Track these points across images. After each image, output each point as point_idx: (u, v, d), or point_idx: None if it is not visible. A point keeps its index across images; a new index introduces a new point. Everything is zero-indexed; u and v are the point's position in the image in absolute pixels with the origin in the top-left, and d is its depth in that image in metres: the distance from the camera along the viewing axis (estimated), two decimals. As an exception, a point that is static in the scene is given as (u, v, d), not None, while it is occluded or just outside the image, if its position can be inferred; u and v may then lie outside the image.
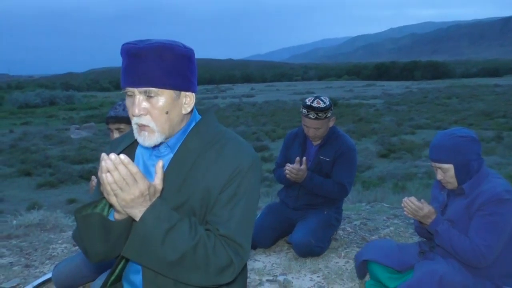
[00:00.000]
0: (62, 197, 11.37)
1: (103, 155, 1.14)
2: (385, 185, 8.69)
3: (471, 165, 2.13)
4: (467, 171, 2.13)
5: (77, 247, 3.54)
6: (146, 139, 1.30)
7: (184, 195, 1.32)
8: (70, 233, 3.95)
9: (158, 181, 1.22)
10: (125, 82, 1.28)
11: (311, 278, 2.84)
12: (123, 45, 1.29)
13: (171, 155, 1.37)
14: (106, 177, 1.12)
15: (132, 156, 1.43)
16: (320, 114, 3.08)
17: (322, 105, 3.08)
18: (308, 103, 3.11)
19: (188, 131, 1.38)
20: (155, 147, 1.39)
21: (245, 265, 1.55)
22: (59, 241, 3.71)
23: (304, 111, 3.13)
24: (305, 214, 3.27)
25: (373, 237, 3.51)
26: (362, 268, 2.53)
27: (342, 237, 3.51)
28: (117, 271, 1.46)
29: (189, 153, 1.34)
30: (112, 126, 2.47)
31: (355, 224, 3.83)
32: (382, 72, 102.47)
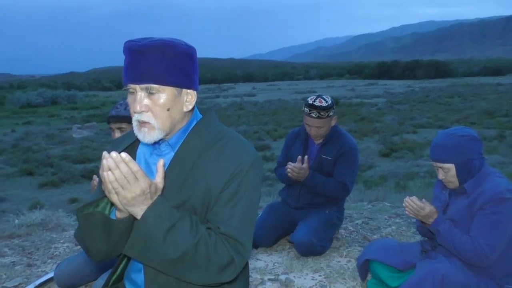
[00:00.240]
0: (64, 197, 11.39)
1: (105, 153, 1.14)
2: (387, 184, 8.68)
3: (473, 164, 2.12)
4: (468, 170, 2.12)
5: (79, 247, 3.55)
6: (146, 136, 1.30)
7: (185, 194, 1.32)
8: (72, 232, 3.96)
9: (159, 179, 1.22)
10: (127, 79, 1.29)
11: (313, 277, 2.84)
12: (126, 42, 1.30)
13: (172, 154, 1.37)
14: (108, 175, 1.13)
15: (133, 155, 1.44)
16: (322, 113, 3.08)
17: (324, 104, 3.08)
18: (310, 102, 3.11)
19: (189, 130, 1.38)
20: (156, 144, 1.39)
21: (247, 264, 1.55)
22: (61, 241, 3.72)
23: (306, 110, 3.13)
24: (307, 213, 3.27)
25: (375, 236, 3.51)
26: (364, 268, 2.53)
27: (344, 236, 3.51)
28: (118, 270, 1.46)
29: (190, 152, 1.34)
30: (114, 126, 2.47)
31: (357, 223, 3.83)
32: (384, 71, 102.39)
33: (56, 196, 11.68)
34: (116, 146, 1.48)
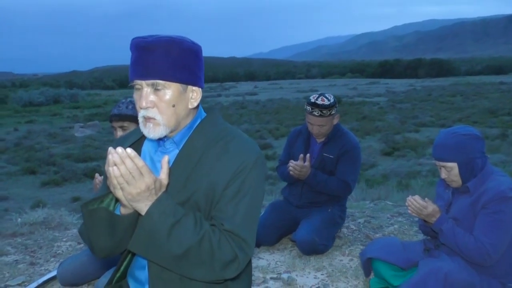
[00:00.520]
0: (66, 195, 11.41)
1: (110, 148, 1.15)
2: (389, 183, 8.66)
3: (475, 163, 2.12)
4: (471, 169, 2.12)
5: (82, 245, 3.55)
6: (151, 131, 1.31)
7: (189, 191, 1.33)
8: (75, 231, 3.96)
9: (163, 175, 1.23)
10: (133, 75, 1.30)
11: (315, 276, 2.84)
12: (133, 39, 1.31)
13: (177, 151, 1.38)
14: (113, 171, 1.13)
15: (138, 152, 1.44)
16: (324, 112, 3.08)
17: (326, 102, 3.08)
18: (313, 100, 3.11)
19: (193, 128, 1.39)
20: (161, 142, 1.40)
21: (250, 263, 1.55)
22: (64, 239, 3.73)
23: (309, 108, 3.13)
24: (309, 212, 3.27)
25: (377, 235, 3.51)
26: (367, 265, 2.53)
27: (346, 235, 3.51)
28: (122, 267, 1.47)
29: (194, 150, 1.35)
30: (116, 124, 2.48)
31: (359, 222, 3.83)
32: (386, 70, 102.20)
33: (58, 194, 11.70)
34: (122, 142, 1.48)
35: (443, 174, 2.19)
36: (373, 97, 41.00)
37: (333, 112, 3.12)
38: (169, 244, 1.22)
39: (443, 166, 2.16)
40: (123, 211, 1.26)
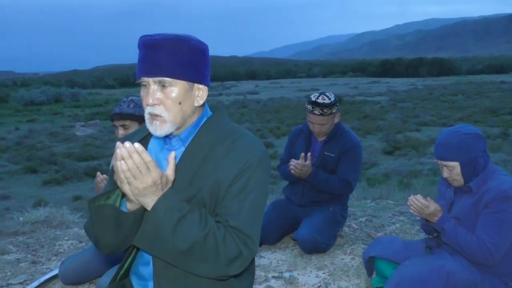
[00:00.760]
0: (67, 194, 11.43)
1: (118, 143, 1.16)
2: (390, 182, 8.65)
3: (477, 162, 2.11)
4: (473, 168, 2.12)
5: (84, 244, 3.56)
6: (157, 128, 1.33)
7: (195, 188, 1.34)
8: (76, 229, 3.97)
9: (170, 171, 1.24)
10: (140, 72, 1.32)
11: (317, 274, 2.84)
12: (141, 37, 1.33)
13: (183, 149, 1.39)
14: (120, 165, 1.14)
15: None
16: (325, 110, 3.08)
17: (327, 101, 3.08)
18: (313, 99, 3.11)
19: (199, 126, 1.41)
20: (167, 139, 1.41)
21: (253, 261, 1.56)
22: (66, 238, 3.73)
23: (309, 107, 3.13)
24: (311, 211, 3.27)
25: (379, 234, 3.51)
26: (370, 265, 2.53)
27: (348, 234, 3.51)
28: (126, 264, 1.48)
29: (200, 147, 1.37)
30: (117, 123, 2.48)
31: (361, 221, 3.83)
32: (387, 69, 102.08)
33: (59, 193, 11.71)
34: (129, 140, 1.49)
35: (445, 173, 2.18)
36: (374, 96, 40.97)
37: (333, 111, 3.12)
38: (174, 240, 1.23)
39: (445, 165, 2.16)
40: (129, 206, 1.27)
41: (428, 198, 2.22)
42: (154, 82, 1.31)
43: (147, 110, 1.33)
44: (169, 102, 1.31)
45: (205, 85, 1.38)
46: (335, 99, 3.14)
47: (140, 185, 1.17)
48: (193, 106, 1.37)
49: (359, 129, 20.76)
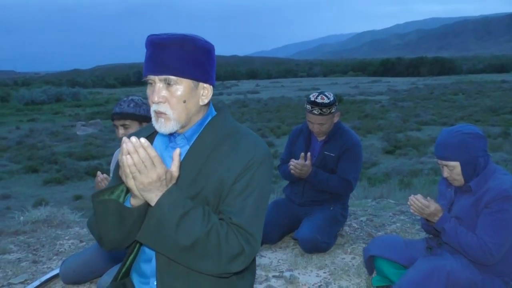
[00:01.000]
0: (68, 194, 11.43)
1: (125, 138, 1.18)
2: (391, 182, 8.64)
3: (478, 162, 2.11)
4: (473, 168, 2.12)
5: (84, 243, 3.56)
6: (162, 126, 1.35)
7: (199, 186, 1.36)
8: (77, 229, 3.98)
9: (174, 168, 1.25)
10: (146, 70, 1.34)
11: (318, 274, 2.84)
12: (148, 36, 1.35)
13: (187, 147, 1.41)
14: (126, 159, 1.16)
15: None
16: (324, 110, 3.08)
17: (326, 100, 3.08)
18: (312, 98, 3.11)
19: (204, 125, 1.42)
20: (172, 137, 1.43)
21: (254, 261, 1.56)
22: (66, 237, 3.74)
23: (308, 107, 3.13)
24: (311, 210, 3.27)
25: (379, 233, 3.51)
26: (370, 263, 2.53)
27: (348, 233, 3.51)
28: (128, 262, 1.48)
29: (205, 146, 1.38)
30: (118, 123, 2.48)
31: (361, 220, 3.83)
32: (388, 68, 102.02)
33: (60, 193, 11.72)
34: (135, 136, 1.51)
35: (446, 173, 2.18)
36: (375, 95, 40.95)
37: (333, 111, 3.12)
38: (177, 235, 1.24)
39: (446, 165, 2.16)
40: (133, 202, 1.28)
41: (428, 197, 2.22)
42: (160, 80, 1.33)
43: (153, 108, 1.35)
44: (174, 100, 1.33)
45: (210, 84, 1.40)
46: (334, 98, 3.14)
47: (145, 180, 1.18)
48: (197, 105, 1.39)
49: (360, 128, 20.75)
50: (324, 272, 2.86)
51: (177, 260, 1.30)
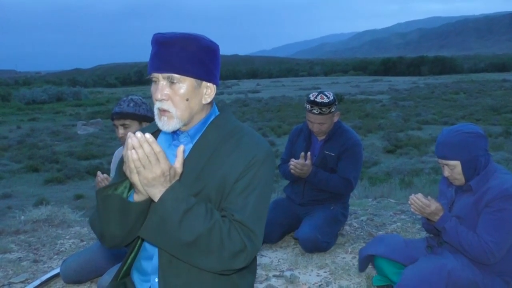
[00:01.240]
0: (69, 193, 11.42)
1: (130, 133, 1.19)
2: (392, 181, 8.63)
3: (479, 161, 2.11)
4: (474, 167, 2.12)
5: (85, 242, 3.56)
6: (165, 124, 1.37)
7: (202, 183, 1.37)
8: (78, 228, 3.98)
9: (178, 164, 1.27)
10: (151, 68, 1.36)
11: (318, 273, 2.84)
12: (154, 35, 1.38)
13: (191, 145, 1.43)
14: (131, 154, 1.18)
15: None
16: (324, 109, 3.07)
17: (325, 100, 3.07)
18: (312, 98, 3.10)
19: (207, 123, 1.44)
20: (175, 135, 1.45)
21: (255, 260, 1.56)
22: (67, 237, 3.74)
23: (308, 106, 3.12)
24: (312, 210, 3.27)
25: (380, 233, 3.51)
26: (365, 261, 2.52)
27: (349, 232, 3.51)
28: (129, 260, 1.49)
29: (208, 144, 1.40)
30: (117, 122, 2.48)
31: (362, 220, 3.83)
32: (389, 67, 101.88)
33: (61, 192, 11.71)
34: None
35: (446, 172, 2.18)
36: (375, 94, 40.88)
37: (332, 110, 3.12)
38: (180, 231, 1.25)
39: (446, 164, 2.16)
40: (136, 198, 1.29)
41: (429, 197, 2.22)
42: (164, 77, 1.34)
43: (156, 105, 1.37)
44: (177, 98, 1.35)
45: (214, 83, 1.41)
46: (334, 98, 3.13)
47: (149, 175, 1.20)
48: (200, 103, 1.40)
49: (361, 127, 20.71)
50: (325, 272, 2.86)
51: (179, 256, 1.31)
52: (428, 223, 2.33)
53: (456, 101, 32.87)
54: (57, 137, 21.47)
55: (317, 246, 3.06)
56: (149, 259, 1.45)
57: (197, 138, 1.43)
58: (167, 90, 1.35)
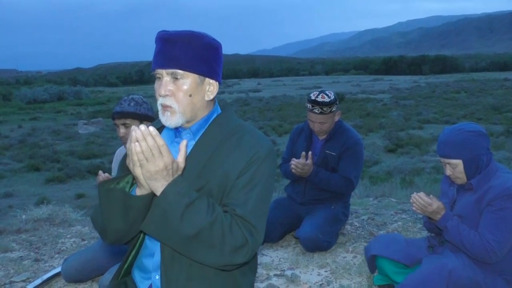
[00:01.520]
0: (70, 192, 11.44)
1: (134, 126, 1.21)
2: (393, 180, 8.62)
3: (480, 160, 2.11)
4: (476, 166, 2.11)
5: (86, 241, 3.57)
6: (168, 119, 1.38)
7: (204, 180, 1.38)
8: (79, 227, 3.98)
9: (181, 159, 1.28)
10: (155, 65, 1.38)
11: (319, 272, 2.84)
12: (158, 32, 1.40)
13: (193, 143, 1.44)
14: (135, 146, 1.19)
15: None
16: (325, 109, 3.07)
17: (326, 99, 3.07)
18: (313, 97, 3.10)
19: (210, 121, 1.46)
20: (177, 133, 1.46)
21: (256, 259, 1.57)
22: (68, 236, 3.75)
23: (309, 105, 3.12)
24: (313, 209, 3.27)
25: (381, 232, 3.51)
26: (372, 262, 2.53)
27: (350, 232, 3.51)
28: (130, 258, 1.50)
29: (210, 141, 1.42)
30: (118, 122, 2.48)
31: (363, 219, 3.82)
32: (390, 66, 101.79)
33: (62, 191, 11.72)
34: None
35: (448, 171, 2.18)
36: (376, 93, 40.85)
37: (333, 109, 3.11)
38: (182, 225, 1.26)
39: (448, 163, 2.16)
40: (138, 192, 1.30)
41: (431, 196, 2.22)
42: (167, 73, 1.36)
43: (159, 101, 1.38)
44: (180, 94, 1.37)
45: (216, 81, 1.43)
46: (335, 97, 3.13)
47: (152, 168, 1.21)
48: (203, 100, 1.42)
49: (362, 126, 20.70)
50: (326, 271, 2.86)
51: (181, 250, 1.31)
52: (429, 222, 2.33)
53: (457, 100, 32.83)
54: (58, 136, 21.49)
55: (318, 245, 3.06)
56: (151, 256, 1.45)
57: (199, 135, 1.44)
58: (170, 86, 1.36)
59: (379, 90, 44.54)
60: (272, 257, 3.10)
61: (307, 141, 3.29)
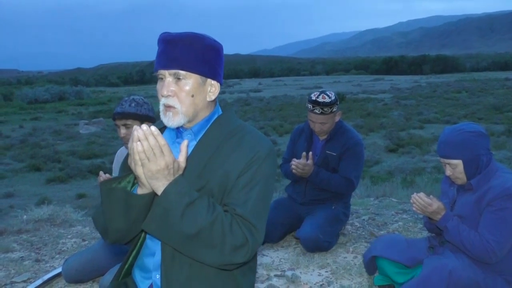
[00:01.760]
0: (71, 192, 11.44)
1: (136, 126, 1.22)
2: (394, 180, 8.61)
3: (480, 160, 2.11)
4: (476, 166, 2.11)
5: (87, 242, 3.57)
6: (170, 119, 1.40)
7: (204, 180, 1.39)
8: (80, 227, 3.98)
9: (182, 159, 1.30)
10: (157, 65, 1.40)
11: (319, 273, 2.84)
12: (161, 34, 1.42)
13: (194, 143, 1.46)
14: (136, 146, 1.20)
15: None
16: (325, 109, 3.07)
17: (327, 99, 3.07)
18: (314, 98, 3.10)
19: (211, 121, 1.47)
20: (179, 133, 1.47)
21: (255, 259, 1.57)
22: (69, 236, 3.75)
23: (310, 106, 3.12)
24: (313, 209, 3.27)
25: (382, 232, 3.50)
26: (371, 264, 2.52)
27: (350, 232, 3.51)
28: (130, 258, 1.50)
29: (211, 142, 1.43)
30: (119, 122, 2.49)
31: (364, 219, 3.82)
32: (391, 66, 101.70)
33: (63, 191, 11.73)
34: None
35: (448, 171, 2.18)
36: (377, 93, 40.82)
37: (334, 110, 3.11)
38: (182, 224, 1.27)
39: (448, 163, 2.16)
40: (139, 191, 1.31)
41: (431, 196, 2.22)
42: (170, 74, 1.38)
43: (162, 101, 1.40)
44: (183, 94, 1.39)
45: (218, 81, 1.45)
46: (335, 97, 3.13)
47: (153, 167, 1.22)
48: (205, 100, 1.44)
49: (362, 126, 20.69)
50: (326, 271, 2.86)
51: (181, 249, 1.32)
52: (430, 222, 2.33)
53: (458, 100, 32.79)
54: (59, 136, 21.50)
55: (318, 245, 3.06)
56: (151, 256, 1.46)
57: (200, 135, 1.45)
58: (173, 87, 1.38)
59: (380, 90, 44.51)
60: (273, 258, 3.10)
61: (308, 142, 3.29)
